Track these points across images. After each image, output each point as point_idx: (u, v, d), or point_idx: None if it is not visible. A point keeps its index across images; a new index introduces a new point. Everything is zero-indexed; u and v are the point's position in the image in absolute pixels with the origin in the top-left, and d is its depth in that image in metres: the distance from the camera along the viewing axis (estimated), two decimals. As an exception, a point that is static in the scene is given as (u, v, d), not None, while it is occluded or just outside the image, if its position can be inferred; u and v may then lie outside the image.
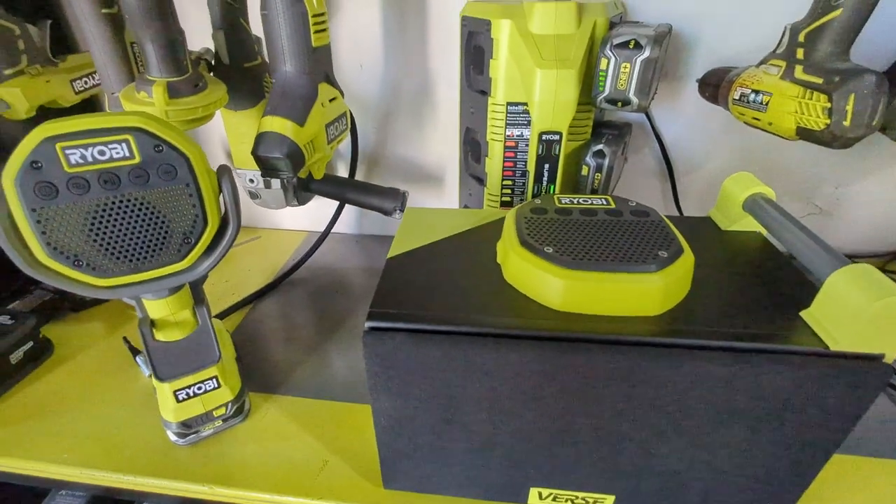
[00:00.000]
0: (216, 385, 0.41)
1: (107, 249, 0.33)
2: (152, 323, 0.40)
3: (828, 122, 0.37)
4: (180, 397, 0.40)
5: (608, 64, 0.44)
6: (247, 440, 0.43)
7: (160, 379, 0.39)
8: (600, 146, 0.50)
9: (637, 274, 0.28)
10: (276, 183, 0.59)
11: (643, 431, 0.29)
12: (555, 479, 0.33)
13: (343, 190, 0.61)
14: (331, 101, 0.46)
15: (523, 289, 0.31)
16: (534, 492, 0.35)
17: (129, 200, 0.32)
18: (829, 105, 0.37)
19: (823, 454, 0.29)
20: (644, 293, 0.28)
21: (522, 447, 0.32)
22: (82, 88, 0.55)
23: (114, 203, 0.32)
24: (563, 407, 0.29)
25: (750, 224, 0.37)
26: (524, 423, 0.30)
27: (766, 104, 0.43)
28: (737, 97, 0.47)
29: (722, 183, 0.39)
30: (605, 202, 0.36)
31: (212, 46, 0.54)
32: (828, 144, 0.39)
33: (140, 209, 0.32)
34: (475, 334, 0.28)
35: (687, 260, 0.30)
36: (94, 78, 0.57)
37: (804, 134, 0.40)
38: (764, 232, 0.37)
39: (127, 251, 0.33)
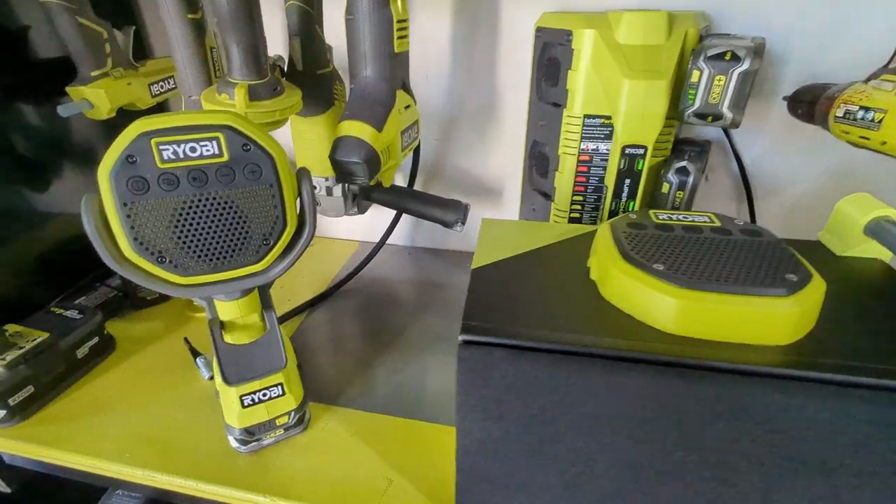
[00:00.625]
0: (281, 392, 0.40)
1: (189, 247, 0.32)
2: (222, 325, 0.39)
3: (960, 141, 0.34)
4: (246, 403, 0.39)
5: (700, 76, 0.41)
6: (307, 451, 0.41)
7: (228, 382, 0.38)
8: (683, 163, 0.47)
9: (767, 298, 0.25)
10: (337, 191, 0.59)
11: (767, 477, 0.26)
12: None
13: (404, 200, 0.60)
14: (405, 108, 0.45)
15: (627, 308, 0.28)
16: (622, 532, 0.32)
17: (214, 199, 0.32)
18: (962, 123, 0.34)
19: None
20: (776, 319, 0.25)
21: (622, 484, 0.29)
22: (159, 92, 0.57)
23: (200, 201, 0.32)
24: (673, 442, 0.26)
25: (870, 250, 0.34)
26: (626, 457, 0.28)
27: (880, 122, 0.39)
28: (840, 115, 0.43)
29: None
30: (708, 219, 0.33)
31: (283, 53, 0.54)
32: (957, 166, 0.35)
33: (224, 208, 0.32)
34: (582, 354, 0.25)
35: (818, 286, 0.27)
36: (169, 82, 0.58)
37: (927, 154, 0.37)
38: (887, 258, 0.33)
39: (208, 250, 0.33)
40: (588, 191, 0.52)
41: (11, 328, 0.47)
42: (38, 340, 0.45)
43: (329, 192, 0.59)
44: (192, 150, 0.31)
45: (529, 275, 0.33)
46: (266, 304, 0.41)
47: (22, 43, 0.53)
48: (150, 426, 0.44)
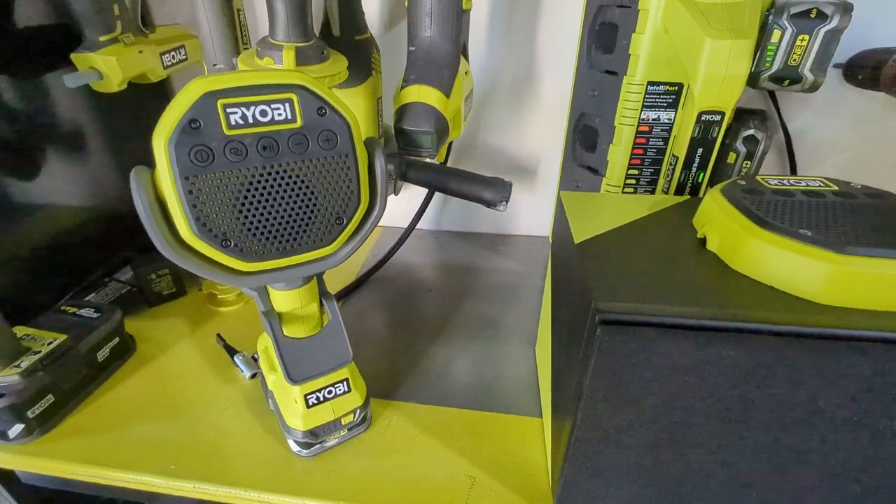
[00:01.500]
0: (347, 389, 0.37)
1: (256, 228, 0.28)
2: (279, 317, 0.35)
3: None
4: (311, 402, 0.35)
5: (781, 36, 0.39)
6: (375, 452, 0.38)
7: (293, 381, 0.34)
8: (751, 131, 0.45)
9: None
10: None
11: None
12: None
13: (444, 178, 0.56)
14: (465, 74, 0.41)
15: (767, 279, 0.26)
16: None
17: (286, 171, 0.28)
18: None
19: None
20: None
21: (763, 478, 0.26)
22: (170, 63, 0.51)
23: (270, 173, 0.27)
24: (835, 430, 0.24)
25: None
26: (769, 443, 0.25)
27: (965, 81, 0.38)
28: (913, 77, 0.42)
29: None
30: (822, 184, 0.31)
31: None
32: None
33: (296, 182, 0.28)
34: (736, 330, 0.23)
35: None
36: (181, 52, 0.52)
37: None
38: None
39: (277, 231, 0.29)
40: (645, 163, 0.49)
41: (20, 330, 0.41)
42: (56, 343, 0.40)
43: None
44: (263, 113, 0.26)
45: (639, 248, 0.30)
46: (324, 292, 0.37)
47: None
48: (192, 433, 0.39)
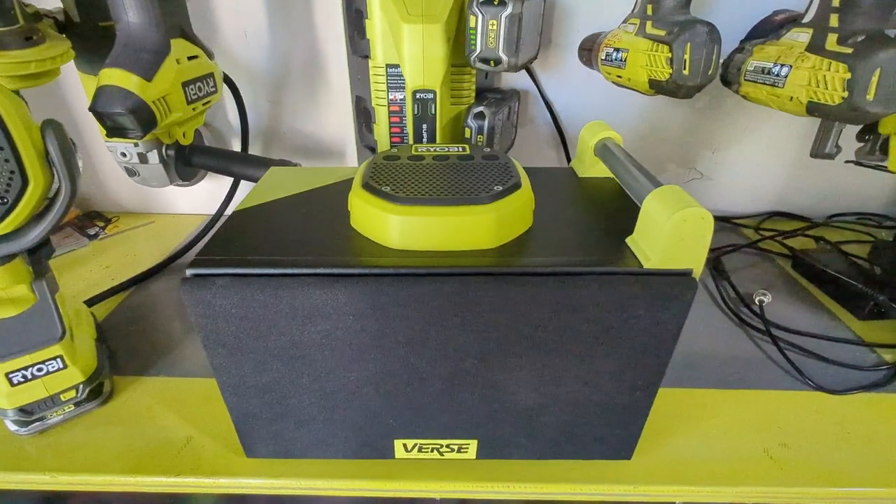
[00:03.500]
0: (61, 366, 0.38)
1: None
2: (-22, 298, 0.36)
3: (670, 71, 0.39)
4: (15, 380, 0.36)
5: (476, 21, 0.44)
6: (105, 424, 0.39)
7: (-12, 359, 0.35)
8: (480, 108, 0.50)
9: (469, 206, 0.28)
10: (153, 157, 0.55)
11: (487, 368, 0.29)
12: (415, 428, 0.33)
13: (228, 163, 0.58)
14: (190, 58, 0.43)
15: (365, 231, 0.30)
16: (398, 444, 0.34)
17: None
18: (670, 55, 0.39)
19: (656, 373, 0.30)
20: (476, 225, 0.28)
21: (375, 397, 0.31)
22: None
23: None
24: (405, 349, 0.29)
25: (605, 170, 0.39)
26: (371, 370, 0.30)
27: (625, 60, 0.45)
28: (603, 57, 0.48)
29: None
30: (461, 149, 0.36)
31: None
32: (674, 94, 0.41)
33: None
34: (302, 275, 0.27)
35: (523, 194, 0.30)
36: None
37: (655, 85, 0.42)
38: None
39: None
40: (404, 140, 0.53)
41: None
42: None
43: (143, 158, 0.56)
44: None
45: (292, 212, 0.33)
46: (39, 273, 0.38)
47: None
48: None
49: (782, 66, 0.39)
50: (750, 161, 0.68)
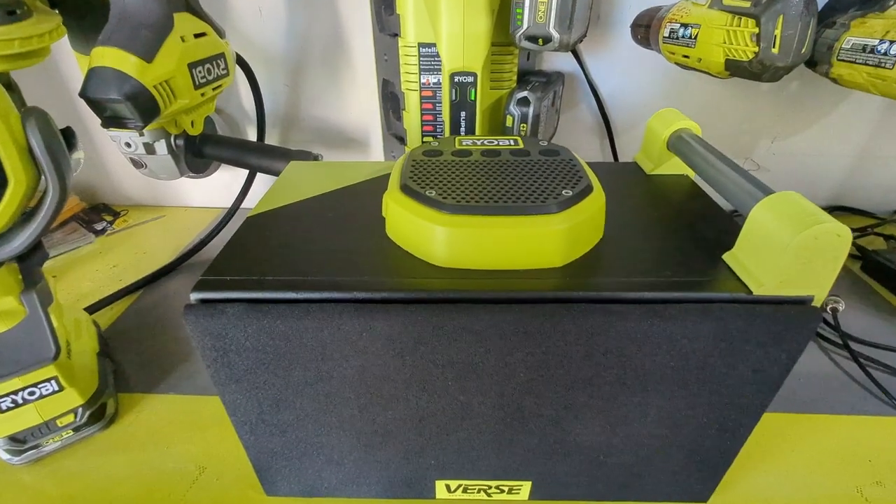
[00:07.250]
0: (56, 388, 0.34)
1: None
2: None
3: (756, 49, 0.33)
4: (4, 406, 0.32)
5: (524, -7, 0.38)
6: (108, 451, 0.36)
7: (-25, 382, 0.31)
8: (524, 93, 0.44)
9: (535, 216, 0.23)
10: (161, 147, 0.51)
11: (551, 405, 0.25)
12: (460, 468, 0.29)
13: (243, 154, 0.54)
14: (197, 36, 0.38)
15: (404, 244, 0.25)
16: (440, 484, 0.30)
17: None
18: (756, 30, 0.33)
19: (752, 416, 0.25)
20: (545, 239, 0.23)
21: (414, 435, 0.26)
22: None
23: None
24: (454, 385, 0.24)
25: (677, 166, 0.33)
26: (413, 408, 0.25)
27: (695, 38, 0.39)
28: (667, 34, 0.42)
29: None
30: (513, 143, 0.31)
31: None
32: (757, 77, 0.35)
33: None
34: (332, 301, 0.22)
35: (596, 199, 0.25)
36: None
37: (733, 67, 0.36)
38: (692, 174, 0.33)
39: None
40: (437, 130, 0.48)
41: None
42: None
43: (150, 149, 0.52)
44: None
45: (316, 218, 0.29)
46: (30, 283, 0.34)
47: None
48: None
49: (892, 42, 0.33)
50: (812, 151, 0.62)
